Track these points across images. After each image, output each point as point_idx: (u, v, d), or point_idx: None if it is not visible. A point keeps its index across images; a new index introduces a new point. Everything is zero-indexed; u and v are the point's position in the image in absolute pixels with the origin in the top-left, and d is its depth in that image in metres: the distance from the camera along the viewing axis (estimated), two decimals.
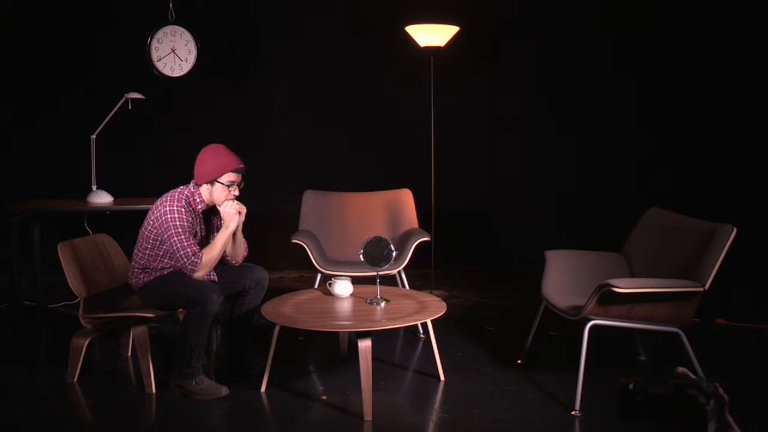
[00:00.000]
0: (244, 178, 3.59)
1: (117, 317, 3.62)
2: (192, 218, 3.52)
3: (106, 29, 5.67)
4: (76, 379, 3.62)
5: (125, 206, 4.85)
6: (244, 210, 3.59)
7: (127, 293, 3.85)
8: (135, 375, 3.74)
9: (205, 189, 3.55)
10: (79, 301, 3.59)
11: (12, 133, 5.67)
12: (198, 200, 3.55)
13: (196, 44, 5.50)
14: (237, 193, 3.58)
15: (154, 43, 5.51)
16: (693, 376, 1.23)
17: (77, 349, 3.59)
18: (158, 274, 3.52)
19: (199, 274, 3.44)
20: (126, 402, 3.45)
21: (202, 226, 3.64)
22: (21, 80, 5.67)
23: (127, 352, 4.02)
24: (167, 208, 3.45)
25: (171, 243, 3.42)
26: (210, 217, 3.71)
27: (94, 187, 5.00)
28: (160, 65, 5.47)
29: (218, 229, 3.67)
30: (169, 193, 3.53)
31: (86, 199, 4.90)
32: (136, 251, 3.57)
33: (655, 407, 1.20)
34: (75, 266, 3.54)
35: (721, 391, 1.20)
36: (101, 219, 5.18)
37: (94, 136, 4.97)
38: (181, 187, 3.57)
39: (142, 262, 3.53)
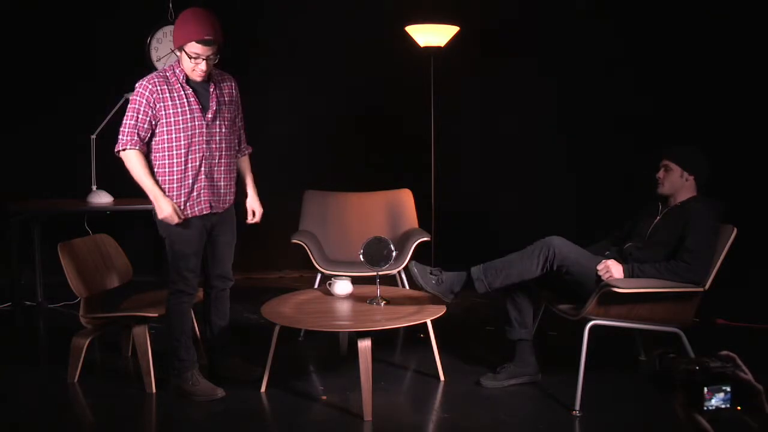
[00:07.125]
0: (219, 50, 3.23)
1: (117, 317, 3.62)
2: (167, 91, 3.24)
3: (106, 29, 5.67)
4: (76, 379, 3.62)
5: (125, 206, 4.84)
6: (174, 222, 3.28)
7: (127, 293, 3.85)
8: (135, 375, 3.73)
9: (182, 56, 3.28)
10: (79, 301, 3.59)
11: (12, 133, 5.67)
12: (177, 70, 3.29)
13: None
14: (204, 68, 3.23)
15: (154, 43, 5.52)
16: (738, 361, 1.29)
17: (77, 349, 3.59)
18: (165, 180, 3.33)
19: (118, 151, 3.28)
20: (126, 402, 3.45)
21: (191, 97, 3.28)
22: (21, 80, 5.68)
23: (127, 352, 4.02)
24: (136, 87, 3.27)
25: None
26: (207, 87, 3.35)
27: (94, 187, 4.99)
28: (159, 65, 5.47)
29: (228, 103, 3.45)
30: None
31: (86, 199, 4.90)
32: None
33: (666, 378, 1.29)
34: (75, 266, 3.54)
35: (744, 377, 1.25)
36: (101, 219, 5.18)
37: (94, 136, 4.97)
38: None
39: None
